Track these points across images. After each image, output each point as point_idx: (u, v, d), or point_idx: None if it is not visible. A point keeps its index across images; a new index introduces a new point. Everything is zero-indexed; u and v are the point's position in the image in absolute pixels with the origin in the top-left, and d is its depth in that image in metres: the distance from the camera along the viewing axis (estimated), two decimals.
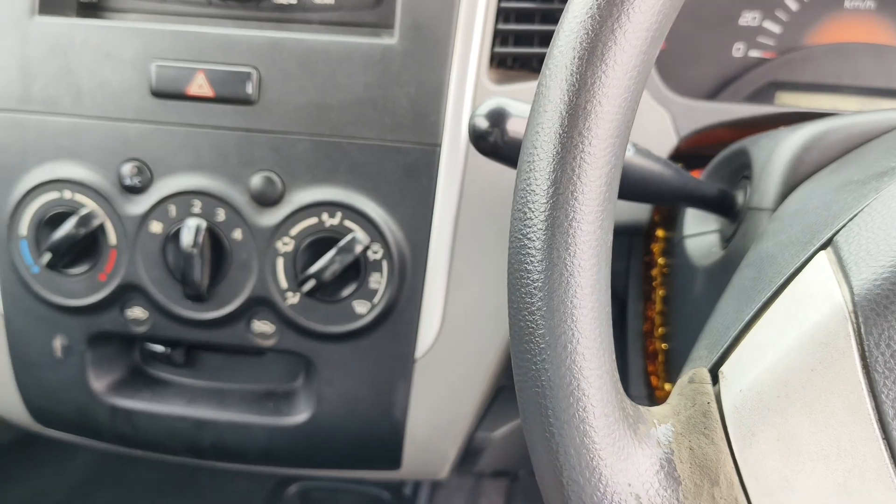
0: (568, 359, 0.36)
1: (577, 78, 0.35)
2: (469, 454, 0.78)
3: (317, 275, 0.65)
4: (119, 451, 0.78)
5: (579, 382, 0.36)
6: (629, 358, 0.78)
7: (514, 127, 0.50)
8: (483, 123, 0.50)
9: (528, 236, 0.36)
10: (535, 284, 0.36)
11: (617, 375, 0.38)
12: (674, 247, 0.69)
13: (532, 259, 0.36)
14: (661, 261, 0.72)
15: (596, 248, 0.36)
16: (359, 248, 0.65)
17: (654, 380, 0.75)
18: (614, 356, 0.38)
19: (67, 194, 0.68)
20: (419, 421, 0.71)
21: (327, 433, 0.71)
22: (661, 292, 0.72)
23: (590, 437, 0.36)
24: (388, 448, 0.72)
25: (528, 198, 0.36)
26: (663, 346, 0.73)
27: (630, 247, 0.76)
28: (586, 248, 0.36)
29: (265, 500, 1.06)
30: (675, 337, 0.70)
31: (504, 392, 0.77)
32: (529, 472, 1.26)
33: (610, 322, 0.38)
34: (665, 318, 0.72)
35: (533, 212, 0.36)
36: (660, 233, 0.72)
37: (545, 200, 0.36)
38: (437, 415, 0.71)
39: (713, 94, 0.79)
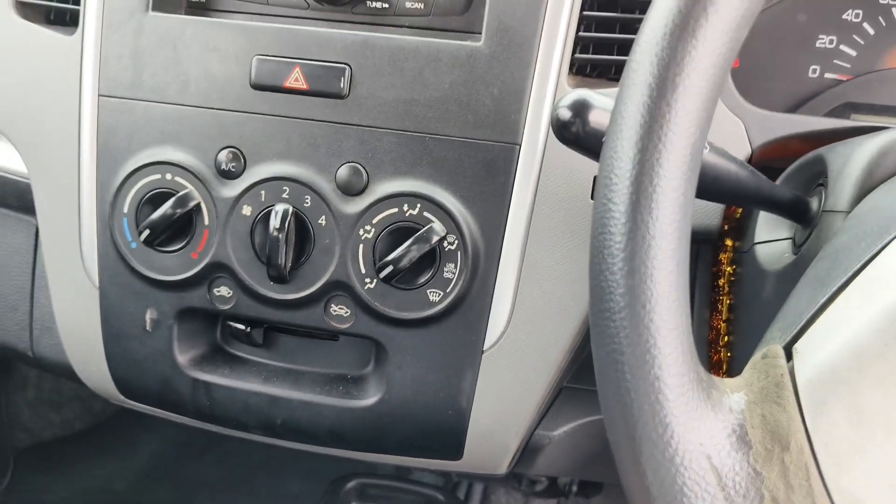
0: (646, 317, 0.38)
1: (667, 52, 0.37)
2: (528, 452, 0.80)
3: (394, 262, 0.68)
4: (194, 427, 0.82)
5: (656, 341, 0.38)
6: None
7: (596, 118, 0.52)
8: (566, 114, 0.53)
9: (613, 200, 0.38)
10: (618, 246, 0.38)
11: (692, 340, 0.40)
12: (743, 255, 0.70)
13: (616, 221, 0.38)
14: (729, 269, 0.73)
15: (678, 214, 0.38)
16: (435, 239, 0.68)
17: None
18: (690, 321, 0.39)
19: (168, 176, 0.73)
20: (483, 412, 0.73)
21: (394, 417, 0.73)
22: (728, 301, 0.73)
23: (664, 395, 0.38)
24: (451, 435, 0.74)
25: (615, 164, 0.39)
26: (728, 354, 0.73)
27: (697, 256, 0.77)
28: (668, 213, 0.38)
29: (322, 495, 1.09)
30: (740, 345, 0.71)
31: (565, 392, 0.78)
32: (582, 483, 1.26)
33: (688, 288, 0.39)
34: (731, 326, 0.73)
35: (619, 176, 0.38)
36: (728, 242, 0.73)
37: (631, 166, 0.38)
38: (501, 407, 0.73)
39: (788, 112, 0.81)
